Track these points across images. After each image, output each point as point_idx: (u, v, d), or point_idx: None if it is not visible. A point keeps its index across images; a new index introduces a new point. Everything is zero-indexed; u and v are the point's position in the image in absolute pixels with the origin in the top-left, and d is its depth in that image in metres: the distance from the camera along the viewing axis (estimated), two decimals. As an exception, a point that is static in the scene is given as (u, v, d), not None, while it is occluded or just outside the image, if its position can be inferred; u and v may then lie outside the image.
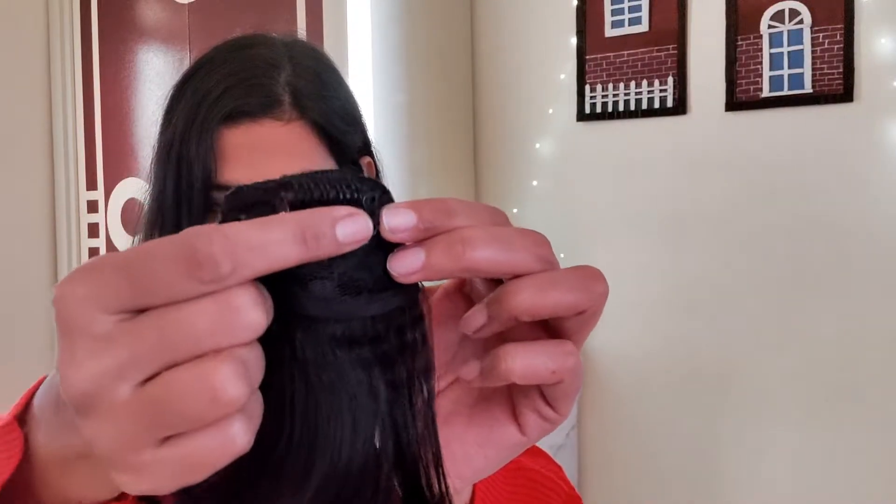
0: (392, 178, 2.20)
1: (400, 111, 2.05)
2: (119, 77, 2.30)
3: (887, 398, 1.94)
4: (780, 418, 2.05)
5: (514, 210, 2.37)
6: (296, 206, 0.26)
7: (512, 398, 0.32)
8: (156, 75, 2.23)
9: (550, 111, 2.31)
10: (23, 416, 0.37)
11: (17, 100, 2.32)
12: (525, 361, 0.28)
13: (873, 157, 1.93)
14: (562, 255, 2.30)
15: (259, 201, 0.26)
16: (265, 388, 0.25)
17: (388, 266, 0.26)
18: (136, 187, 2.26)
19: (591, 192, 2.26)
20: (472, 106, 2.43)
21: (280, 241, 0.24)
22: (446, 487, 0.29)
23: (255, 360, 0.24)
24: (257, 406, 0.25)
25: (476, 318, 0.28)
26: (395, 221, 0.26)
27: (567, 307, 0.28)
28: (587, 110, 2.24)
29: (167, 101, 0.67)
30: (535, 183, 2.34)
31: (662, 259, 2.17)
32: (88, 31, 2.34)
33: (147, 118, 2.25)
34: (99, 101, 2.34)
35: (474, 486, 0.43)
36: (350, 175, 0.27)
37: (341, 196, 0.26)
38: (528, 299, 0.27)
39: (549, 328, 0.30)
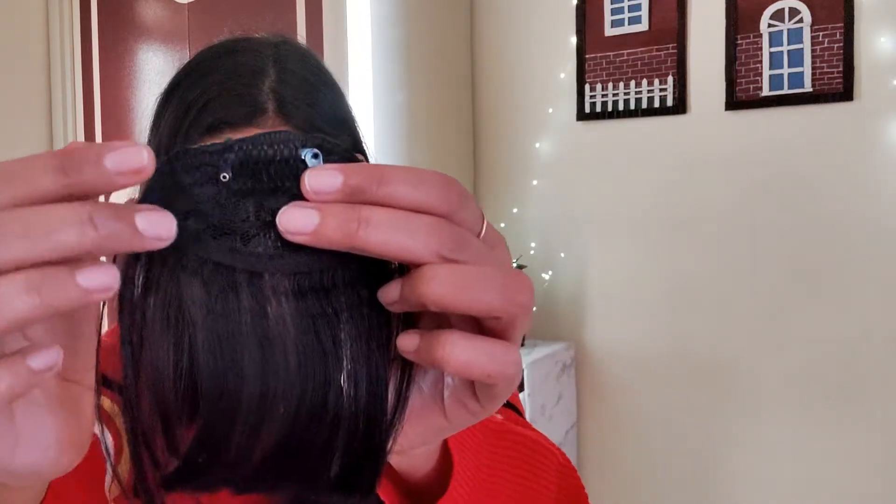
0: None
1: (400, 111, 2.05)
2: (119, 77, 2.30)
3: (886, 396, 1.94)
4: (779, 416, 2.05)
5: (514, 210, 2.37)
6: (237, 166, 0.26)
7: (442, 380, 0.31)
8: (156, 75, 2.23)
9: (550, 111, 2.31)
10: None
11: (17, 100, 2.32)
12: (464, 357, 0.26)
13: (873, 155, 1.93)
14: (562, 255, 2.30)
15: (204, 163, 0.26)
16: (218, 339, 0.26)
17: (277, 218, 0.25)
18: (136, 187, 2.25)
19: (590, 192, 2.26)
20: (472, 106, 2.43)
21: (39, 167, 0.23)
22: (384, 439, 0.28)
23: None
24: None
25: (389, 292, 0.27)
26: (319, 183, 0.25)
27: (481, 309, 0.26)
28: (587, 109, 2.24)
29: (154, 109, 0.67)
30: (535, 182, 2.34)
31: (662, 257, 2.17)
32: (88, 31, 2.34)
33: (147, 118, 2.25)
34: (99, 101, 2.34)
35: (448, 445, 0.42)
36: (295, 135, 0.26)
37: (279, 154, 0.26)
38: (440, 290, 0.25)
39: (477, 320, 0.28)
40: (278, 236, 0.26)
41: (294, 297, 0.26)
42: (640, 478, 2.24)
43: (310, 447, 0.27)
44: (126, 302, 0.26)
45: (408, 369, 0.29)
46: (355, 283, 0.27)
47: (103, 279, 0.24)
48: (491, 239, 0.28)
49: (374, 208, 0.25)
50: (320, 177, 0.25)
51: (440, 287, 0.25)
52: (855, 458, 1.98)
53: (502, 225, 2.38)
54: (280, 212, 0.25)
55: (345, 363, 0.27)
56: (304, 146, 0.26)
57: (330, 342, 0.27)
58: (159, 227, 0.24)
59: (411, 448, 0.32)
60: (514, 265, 2.18)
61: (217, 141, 0.63)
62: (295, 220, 0.25)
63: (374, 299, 0.27)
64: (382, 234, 0.25)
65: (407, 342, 0.28)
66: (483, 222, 0.28)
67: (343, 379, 0.27)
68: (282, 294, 0.26)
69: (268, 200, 0.26)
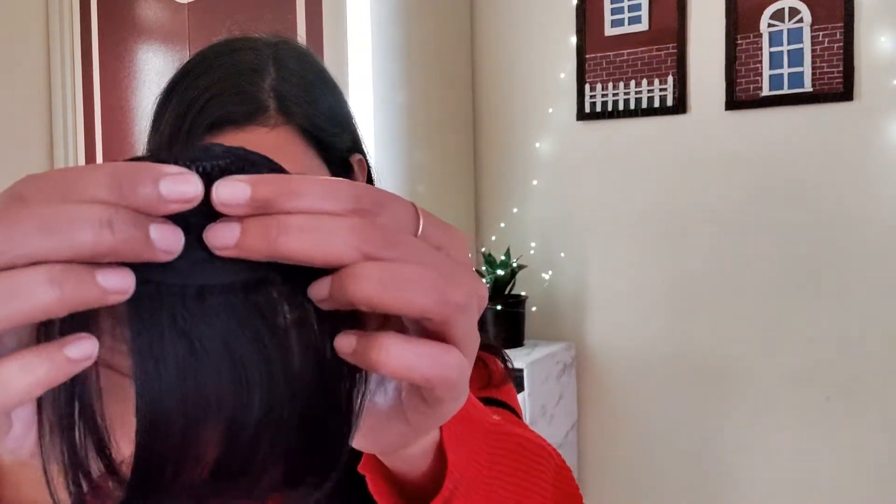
0: (392, 178, 2.18)
1: (400, 111, 2.05)
2: (119, 77, 2.30)
3: (887, 396, 1.94)
4: (779, 416, 2.05)
5: (514, 210, 2.37)
6: None
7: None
8: (156, 75, 2.23)
9: (550, 110, 2.31)
10: None
11: (17, 100, 2.32)
12: (400, 360, 0.26)
13: (873, 155, 1.93)
14: (562, 255, 2.30)
15: None
16: (148, 360, 0.25)
17: (204, 235, 0.25)
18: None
19: (590, 191, 2.26)
20: (472, 106, 2.43)
21: (95, 179, 0.24)
22: (339, 448, 0.28)
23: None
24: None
25: (320, 289, 0.26)
26: (226, 194, 0.25)
27: (411, 309, 0.25)
28: (587, 109, 2.24)
29: (154, 109, 0.68)
30: (535, 182, 2.34)
31: (662, 257, 2.17)
32: (88, 31, 2.34)
33: (147, 118, 2.25)
34: (99, 101, 2.34)
35: (444, 447, 0.41)
36: (214, 149, 0.26)
37: (199, 170, 0.26)
38: (367, 289, 0.25)
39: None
40: (208, 250, 0.26)
41: (230, 310, 0.26)
42: (641, 478, 2.24)
43: (252, 463, 0.27)
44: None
45: (362, 377, 0.28)
46: (299, 291, 0.27)
47: (121, 282, 0.24)
48: (435, 236, 0.28)
49: (294, 215, 0.25)
50: (228, 188, 0.25)
51: (367, 285, 0.25)
52: (855, 458, 1.98)
53: (502, 225, 2.38)
54: (206, 229, 0.25)
55: (290, 374, 0.26)
56: (228, 163, 0.26)
57: (277, 356, 0.26)
58: (170, 241, 0.24)
59: (393, 450, 0.32)
60: (514, 265, 2.18)
61: (218, 136, 0.63)
62: (218, 235, 0.25)
63: (309, 303, 0.27)
64: (304, 238, 0.25)
65: (344, 343, 0.27)
66: (419, 222, 0.27)
67: (290, 395, 0.26)
68: (218, 307, 0.26)
69: (194, 216, 0.25)
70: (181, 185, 0.24)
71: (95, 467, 0.26)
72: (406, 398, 0.30)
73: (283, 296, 0.27)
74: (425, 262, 0.26)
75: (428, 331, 0.27)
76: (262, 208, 0.25)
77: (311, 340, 0.27)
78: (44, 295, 0.23)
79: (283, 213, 0.25)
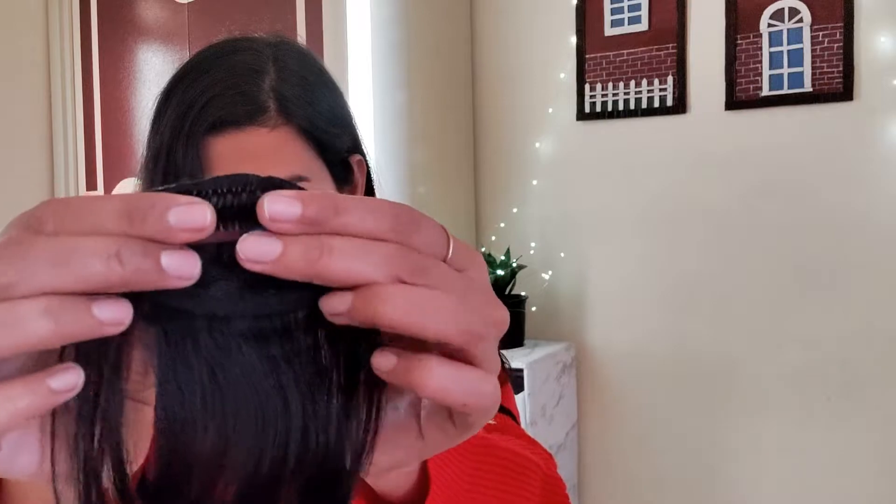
0: (392, 178, 2.18)
1: (400, 111, 2.05)
2: (119, 77, 2.30)
3: (886, 396, 1.94)
4: (779, 416, 2.05)
5: (514, 210, 2.37)
6: None
7: (419, 401, 0.31)
8: (155, 75, 2.23)
9: (550, 110, 2.31)
10: None
11: (17, 100, 2.32)
12: (441, 384, 0.26)
13: (873, 155, 1.93)
14: (562, 255, 2.30)
15: None
16: (172, 388, 0.25)
17: (238, 246, 0.25)
18: (136, 187, 2.24)
19: (590, 191, 2.26)
20: (472, 106, 2.43)
21: (106, 210, 0.24)
22: (350, 485, 0.28)
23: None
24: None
25: (337, 304, 0.26)
26: (278, 209, 0.25)
27: (431, 334, 0.26)
28: (587, 109, 2.24)
29: (154, 109, 0.67)
30: (534, 182, 2.34)
31: (662, 257, 2.17)
32: (88, 31, 2.34)
33: (147, 118, 2.24)
34: (99, 101, 2.34)
35: (427, 465, 0.41)
36: (254, 177, 0.26)
37: (237, 200, 0.26)
38: (392, 311, 0.25)
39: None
40: (239, 280, 0.25)
41: (256, 342, 0.26)
42: (641, 478, 2.24)
43: (270, 498, 0.27)
44: (85, 348, 0.25)
45: (374, 408, 0.29)
46: (316, 324, 0.27)
47: (117, 314, 0.24)
48: (460, 260, 0.28)
49: (335, 237, 0.25)
50: (279, 203, 0.25)
51: (393, 308, 0.25)
52: (855, 457, 1.98)
53: (502, 225, 2.38)
54: (240, 239, 0.25)
55: (309, 410, 0.27)
56: (265, 189, 0.26)
57: (293, 389, 0.26)
58: (184, 267, 0.24)
59: (389, 469, 0.32)
60: (514, 265, 2.18)
61: (218, 137, 0.63)
62: (257, 248, 0.25)
63: (336, 337, 0.27)
64: (344, 262, 0.25)
65: (383, 362, 0.27)
66: (448, 245, 0.28)
67: (306, 427, 0.27)
68: (242, 338, 0.26)
69: (226, 245, 0.25)
70: (190, 215, 0.24)
71: (111, 488, 0.26)
72: (428, 415, 0.30)
73: (308, 332, 0.27)
74: (450, 289, 0.26)
75: (447, 354, 0.28)
76: (309, 226, 0.25)
77: (331, 381, 0.27)
78: (38, 327, 0.23)
79: (326, 232, 0.25)
